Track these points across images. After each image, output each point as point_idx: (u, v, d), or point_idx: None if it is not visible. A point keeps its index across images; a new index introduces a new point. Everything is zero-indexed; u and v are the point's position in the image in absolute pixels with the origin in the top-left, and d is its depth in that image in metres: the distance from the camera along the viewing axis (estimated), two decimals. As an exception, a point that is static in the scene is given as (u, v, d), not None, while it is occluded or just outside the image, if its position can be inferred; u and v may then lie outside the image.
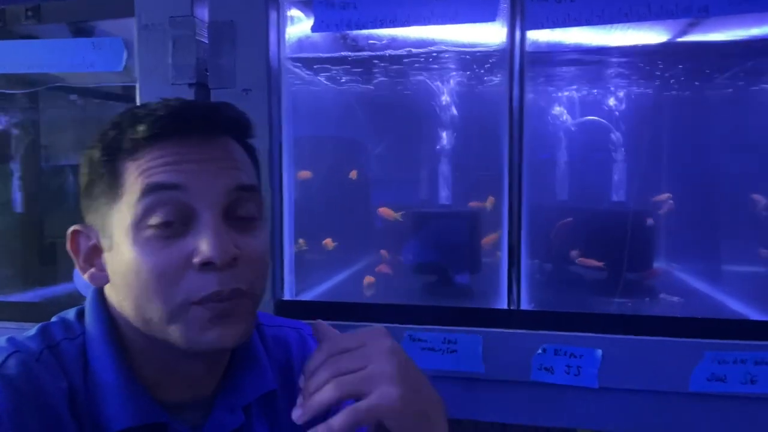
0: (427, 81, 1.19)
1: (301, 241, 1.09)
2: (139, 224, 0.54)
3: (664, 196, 1.16)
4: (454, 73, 1.17)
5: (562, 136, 1.25)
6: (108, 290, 0.59)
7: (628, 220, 1.10)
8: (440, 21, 0.92)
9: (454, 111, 1.19)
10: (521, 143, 0.94)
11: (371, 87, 1.26)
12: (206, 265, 0.53)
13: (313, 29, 0.96)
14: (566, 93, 1.28)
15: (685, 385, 0.84)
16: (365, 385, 0.50)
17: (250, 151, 0.63)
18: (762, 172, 1.11)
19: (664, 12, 0.84)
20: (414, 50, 1.06)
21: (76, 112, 1.32)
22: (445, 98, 1.19)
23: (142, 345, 0.57)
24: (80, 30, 1.11)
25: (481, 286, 1.12)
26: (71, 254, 0.60)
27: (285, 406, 0.68)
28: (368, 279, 1.17)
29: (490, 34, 0.99)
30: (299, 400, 0.53)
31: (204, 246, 0.53)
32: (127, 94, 1.16)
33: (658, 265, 1.21)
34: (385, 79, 1.21)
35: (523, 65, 0.94)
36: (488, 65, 1.08)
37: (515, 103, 0.94)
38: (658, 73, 1.18)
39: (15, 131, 1.32)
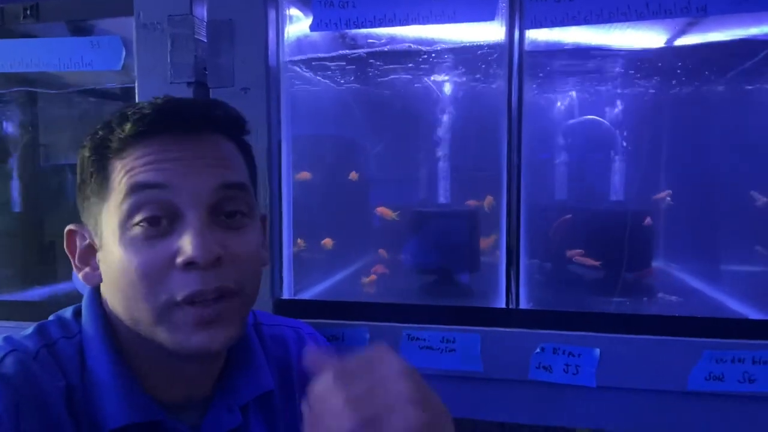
0: (426, 80, 1.19)
1: (300, 240, 1.09)
2: (125, 224, 0.54)
3: (664, 193, 1.16)
4: (452, 72, 1.17)
5: (561, 136, 1.25)
6: (102, 289, 0.59)
7: (626, 219, 1.10)
8: (439, 20, 0.92)
9: (453, 110, 1.18)
10: (520, 142, 0.94)
11: (370, 86, 1.25)
12: (189, 264, 0.52)
13: (312, 28, 0.96)
14: (565, 92, 1.28)
15: (683, 384, 0.84)
16: (384, 409, 0.43)
17: (244, 149, 0.62)
18: (761, 172, 1.11)
19: (662, 11, 0.84)
20: (413, 48, 1.06)
21: (75, 111, 1.32)
22: (443, 97, 1.18)
23: (137, 344, 0.57)
24: (79, 29, 1.10)
25: (480, 285, 1.12)
26: (68, 254, 0.60)
27: (283, 405, 0.68)
28: (370, 278, 1.17)
29: (489, 33, 0.99)
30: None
31: (187, 246, 0.52)
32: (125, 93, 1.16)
33: (657, 264, 1.21)
34: (384, 78, 1.21)
35: (521, 64, 0.94)
36: (487, 64, 1.08)
37: (514, 102, 0.94)
38: (657, 72, 1.18)
39: (14, 130, 1.32)
